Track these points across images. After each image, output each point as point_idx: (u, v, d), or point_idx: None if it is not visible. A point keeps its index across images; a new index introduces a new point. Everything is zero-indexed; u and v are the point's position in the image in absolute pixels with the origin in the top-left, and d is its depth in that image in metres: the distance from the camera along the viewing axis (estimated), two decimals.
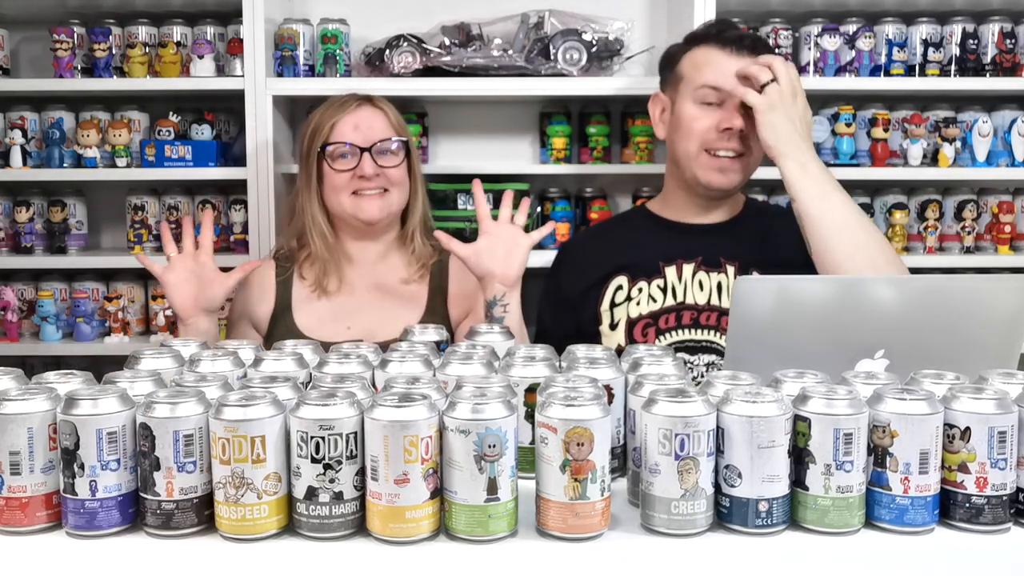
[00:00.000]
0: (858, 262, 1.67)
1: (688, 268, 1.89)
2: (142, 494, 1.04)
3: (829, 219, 1.71)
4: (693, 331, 1.86)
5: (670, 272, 1.90)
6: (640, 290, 1.89)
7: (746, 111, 1.80)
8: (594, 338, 1.91)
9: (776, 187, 2.57)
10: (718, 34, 1.88)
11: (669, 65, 1.95)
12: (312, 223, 1.94)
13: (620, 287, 1.92)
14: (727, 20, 2.01)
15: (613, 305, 1.91)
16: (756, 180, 2.53)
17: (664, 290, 1.89)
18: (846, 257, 1.68)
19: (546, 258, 2.42)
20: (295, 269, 1.97)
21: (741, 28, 2.03)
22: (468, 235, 2.44)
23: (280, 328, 1.90)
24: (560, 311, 2.00)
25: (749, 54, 1.84)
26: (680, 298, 1.88)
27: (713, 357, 1.84)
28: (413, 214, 2.01)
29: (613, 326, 1.90)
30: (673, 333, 1.86)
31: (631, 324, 1.88)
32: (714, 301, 1.86)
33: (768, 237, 1.92)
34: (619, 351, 1.82)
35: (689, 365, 1.84)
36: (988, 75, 2.50)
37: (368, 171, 1.89)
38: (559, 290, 2.02)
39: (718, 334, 1.85)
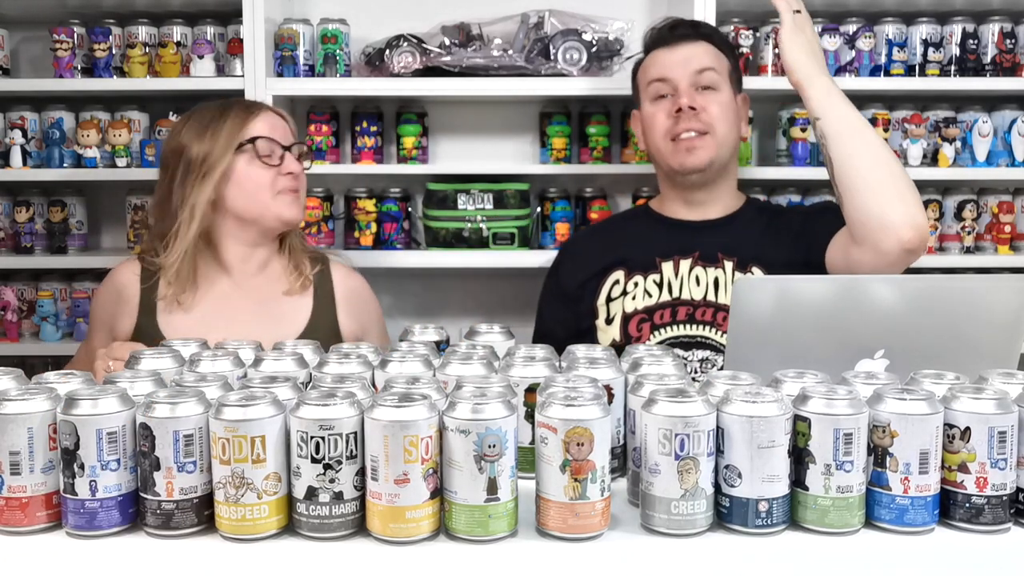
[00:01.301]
0: (880, 174, 1.68)
1: (685, 263, 1.90)
2: (142, 494, 1.04)
3: (857, 136, 1.72)
4: (688, 327, 1.86)
5: (667, 267, 1.91)
6: (636, 284, 1.91)
7: (701, 91, 1.90)
8: (590, 332, 1.91)
9: (776, 187, 2.58)
10: (659, 38, 1.98)
11: (633, 80, 2.05)
12: (186, 231, 1.77)
13: (617, 281, 1.93)
14: (669, 20, 2.04)
15: (609, 299, 1.93)
16: (756, 180, 2.54)
17: (660, 285, 1.90)
18: (868, 169, 1.68)
19: (547, 258, 2.42)
20: (160, 275, 1.82)
21: (684, 20, 2.07)
22: (468, 235, 2.45)
23: (144, 341, 1.67)
24: (558, 306, 2.01)
25: (691, 40, 1.94)
26: (676, 293, 1.88)
27: (708, 353, 1.84)
28: None
29: (609, 320, 1.91)
30: (668, 328, 1.87)
31: (626, 319, 1.89)
32: (710, 297, 1.87)
33: (767, 234, 1.93)
34: (615, 346, 1.84)
35: (684, 361, 1.84)
36: (988, 75, 2.50)
37: (294, 168, 1.83)
38: (558, 285, 2.03)
39: (713, 330, 1.85)
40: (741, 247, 1.90)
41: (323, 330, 1.83)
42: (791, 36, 1.77)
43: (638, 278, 1.91)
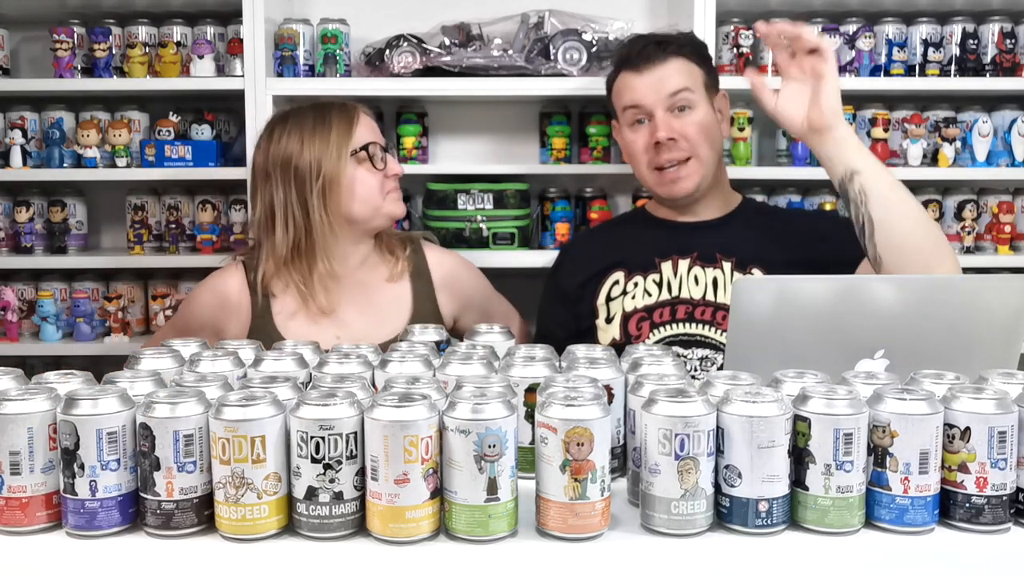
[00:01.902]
0: (923, 233, 1.61)
1: (683, 263, 1.91)
2: (142, 494, 1.04)
3: (900, 192, 1.63)
4: (687, 325, 1.87)
5: (666, 267, 1.91)
6: (636, 284, 1.91)
7: (677, 114, 1.88)
8: (590, 332, 1.92)
9: (776, 187, 2.58)
10: (626, 59, 1.94)
11: (608, 95, 2.03)
12: (324, 244, 1.82)
13: (616, 282, 1.93)
14: (638, 37, 2.02)
15: (609, 299, 1.93)
16: (756, 180, 2.54)
17: (659, 284, 1.90)
18: (911, 231, 1.60)
19: (547, 258, 2.42)
20: (265, 281, 1.85)
21: (652, 35, 2.02)
22: (468, 235, 2.45)
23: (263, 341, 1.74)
24: (558, 307, 2.02)
25: (659, 62, 1.90)
26: (675, 292, 1.89)
27: (707, 351, 1.85)
28: None
29: (609, 319, 1.91)
30: (667, 327, 1.87)
31: (626, 318, 1.89)
32: (709, 296, 1.87)
33: (767, 235, 1.93)
34: (614, 344, 1.84)
35: (683, 359, 1.85)
36: (988, 75, 2.50)
37: (397, 169, 1.90)
38: (557, 287, 2.04)
39: (713, 328, 1.85)
40: (739, 247, 1.90)
41: (426, 316, 1.88)
42: (829, 81, 1.62)
43: (638, 278, 1.92)
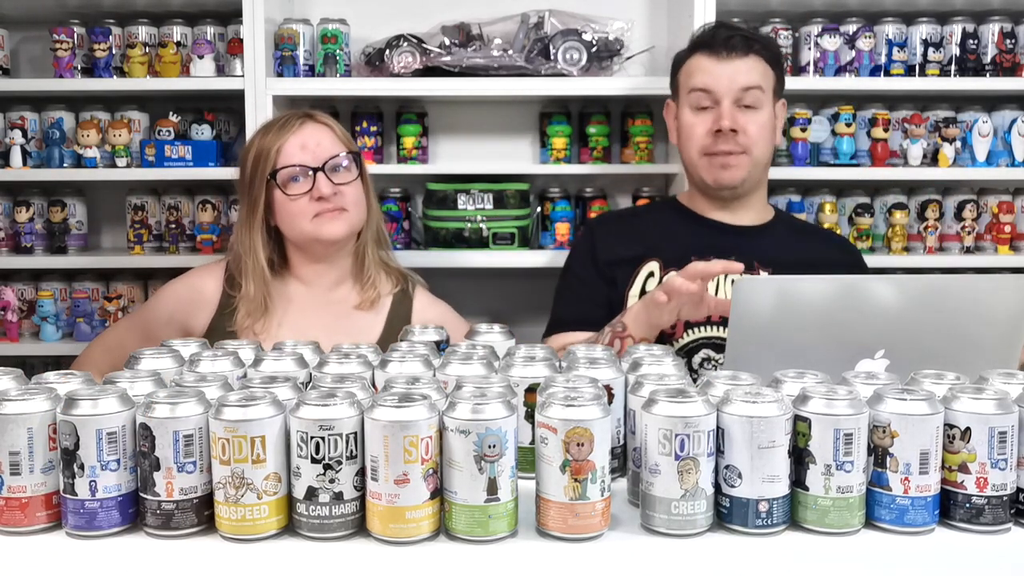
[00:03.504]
0: None
1: None
2: (142, 494, 1.04)
3: None
4: (721, 328, 1.83)
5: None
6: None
7: (743, 109, 1.85)
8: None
9: (776, 187, 2.57)
10: (709, 40, 1.92)
11: (673, 74, 2.00)
12: (253, 265, 1.80)
13: (652, 273, 1.90)
14: (723, 23, 2.01)
15: (643, 293, 1.87)
16: None
17: None
18: None
19: (547, 258, 2.43)
20: (238, 311, 1.82)
21: (737, 27, 2.02)
22: (468, 235, 2.45)
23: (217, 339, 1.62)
24: (596, 280, 1.94)
25: (741, 54, 1.88)
26: (711, 293, 1.86)
27: None
28: (366, 229, 1.88)
29: None
30: (701, 328, 1.84)
31: None
32: None
33: (803, 249, 1.93)
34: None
35: (713, 363, 1.83)
36: (988, 75, 2.50)
37: (325, 191, 1.76)
38: (595, 260, 1.96)
39: None
40: (776, 260, 1.88)
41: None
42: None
43: (673, 271, 1.84)
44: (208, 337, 1.70)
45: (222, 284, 1.86)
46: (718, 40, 1.90)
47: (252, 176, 1.80)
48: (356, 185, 1.82)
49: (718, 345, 1.84)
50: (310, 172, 1.77)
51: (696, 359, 1.84)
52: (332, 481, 1.01)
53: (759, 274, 1.86)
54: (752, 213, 1.97)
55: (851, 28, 2.50)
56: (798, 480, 1.05)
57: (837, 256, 2.01)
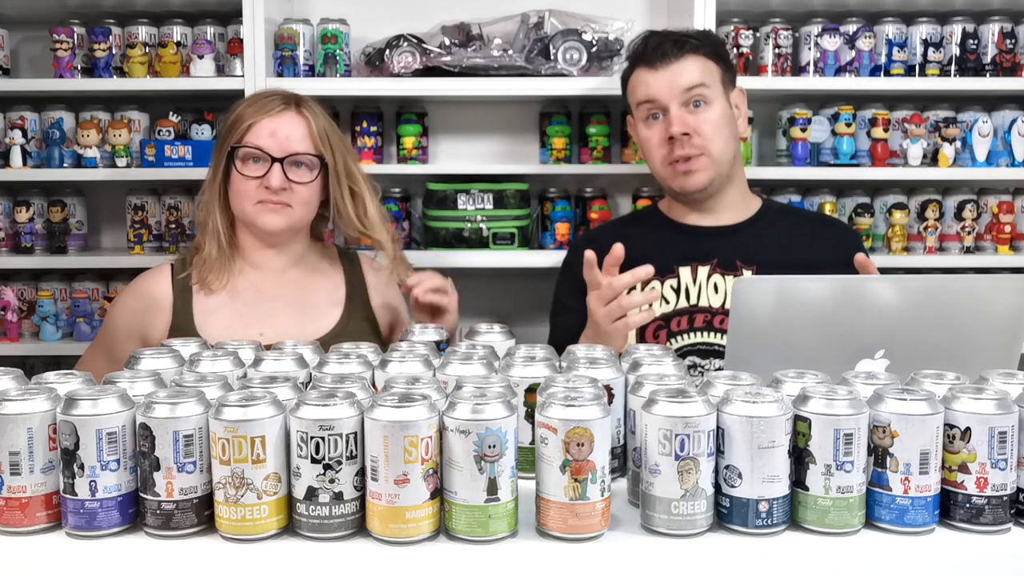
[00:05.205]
0: None
1: (703, 270, 1.88)
2: (142, 494, 1.04)
3: None
4: (706, 334, 1.84)
5: (684, 273, 1.89)
6: (653, 289, 1.87)
7: (692, 109, 1.87)
8: None
9: (776, 187, 2.57)
10: (642, 54, 1.93)
11: (623, 92, 2.02)
12: (212, 224, 1.83)
13: (634, 287, 1.89)
14: (653, 32, 1.99)
15: None
16: (756, 180, 2.53)
17: (677, 291, 1.87)
18: None
19: (547, 258, 2.42)
20: (191, 273, 1.83)
21: (667, 33, 1.98)
22: (468, 235, 2.45)
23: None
24: (579, 298, 1.91)
25: (675, 58, 1.88)
26: (693, 300, 1.86)
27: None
28: (347, 227, 1.89)
29: None
30: (685, 336, 1.85)
31: (643, 325, 1.86)
32: (728, 305, 1.84)
33: (790, 240, 1.92)
34: None
35: (700, 369, 1.82)
36: (988, 75, 2.50)
37: (275, 183, 1.76)
38: (579, 282, 1.93)
39: None
40: (761, 254, 1.88)
41: (360, 317, 1.87)
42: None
43: (655, 283, 1.87)
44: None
45: (170, 285, 1.84)
46: (650, 49, 1.91)
47: (223, 140, 1.83)
48: (311, 188, 1.82)
49: (704, 351, 1.84)
50: (268, 160, 1.78)
51: None
52: (332, 481, 1.01)
53: (742, 274, 1.86)
54: (731, 211, 1.96)
55: (851, 28, 2.50)
56: (798, 480, 1.05)
57: (831, 240, 1.97)
